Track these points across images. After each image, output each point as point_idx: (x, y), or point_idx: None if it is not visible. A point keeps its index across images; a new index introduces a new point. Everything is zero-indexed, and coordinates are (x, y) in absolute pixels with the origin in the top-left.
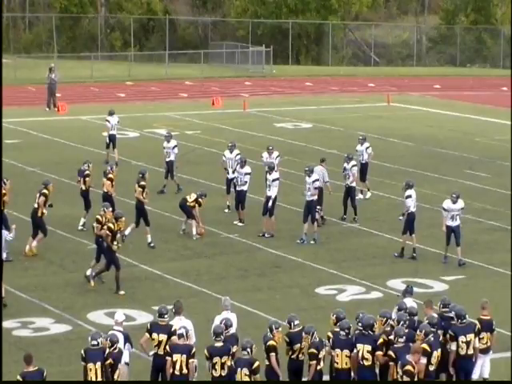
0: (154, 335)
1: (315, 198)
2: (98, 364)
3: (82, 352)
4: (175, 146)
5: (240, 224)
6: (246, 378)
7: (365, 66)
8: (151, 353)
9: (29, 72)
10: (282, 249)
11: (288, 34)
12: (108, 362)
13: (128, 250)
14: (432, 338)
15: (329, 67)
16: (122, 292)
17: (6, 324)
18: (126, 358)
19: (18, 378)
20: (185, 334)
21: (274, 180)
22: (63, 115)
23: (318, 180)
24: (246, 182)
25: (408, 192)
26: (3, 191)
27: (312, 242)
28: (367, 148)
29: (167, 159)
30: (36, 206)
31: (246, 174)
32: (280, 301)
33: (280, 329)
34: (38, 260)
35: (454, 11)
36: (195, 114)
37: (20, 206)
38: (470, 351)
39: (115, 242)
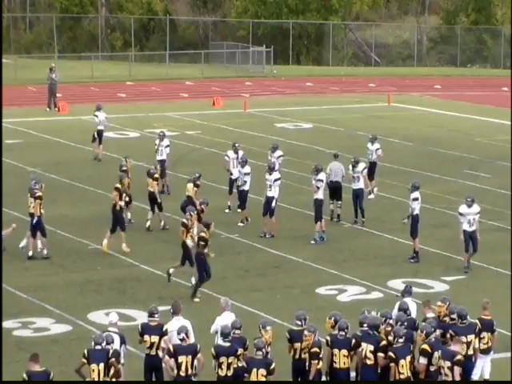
0: (146, 337)
1: (319, 196)
2: (102, 365)
3: (85, 352)
4: (168, 145)
5: (241, 224)
6: (263, 379)
7: (365, 66)
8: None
9: (29, 72)
10: (283, 249)
11: (288, 34)
12: (111, 361)
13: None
14: (433, 339)
15: (329, 67)
16: (196, 299)
17: (6, 324)
18: (121, 359)
19: (24, 375)
20: (185, 337)
21: (275, 180)
22: (64, 115)
23: (321, 180)
24: (246, 181)
25: (414, 194)
26: (38, 194)
27: (312, 242)
28: (377, 149)
29: (159, 158)
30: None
31: (246, 174)
32: (280, 301)
33: (268, 328)
34: (39, 260)
35: (454, 11)
36: (196, 114)
37: (20, 205)
38: (471, 352)
39: (206, 250)
